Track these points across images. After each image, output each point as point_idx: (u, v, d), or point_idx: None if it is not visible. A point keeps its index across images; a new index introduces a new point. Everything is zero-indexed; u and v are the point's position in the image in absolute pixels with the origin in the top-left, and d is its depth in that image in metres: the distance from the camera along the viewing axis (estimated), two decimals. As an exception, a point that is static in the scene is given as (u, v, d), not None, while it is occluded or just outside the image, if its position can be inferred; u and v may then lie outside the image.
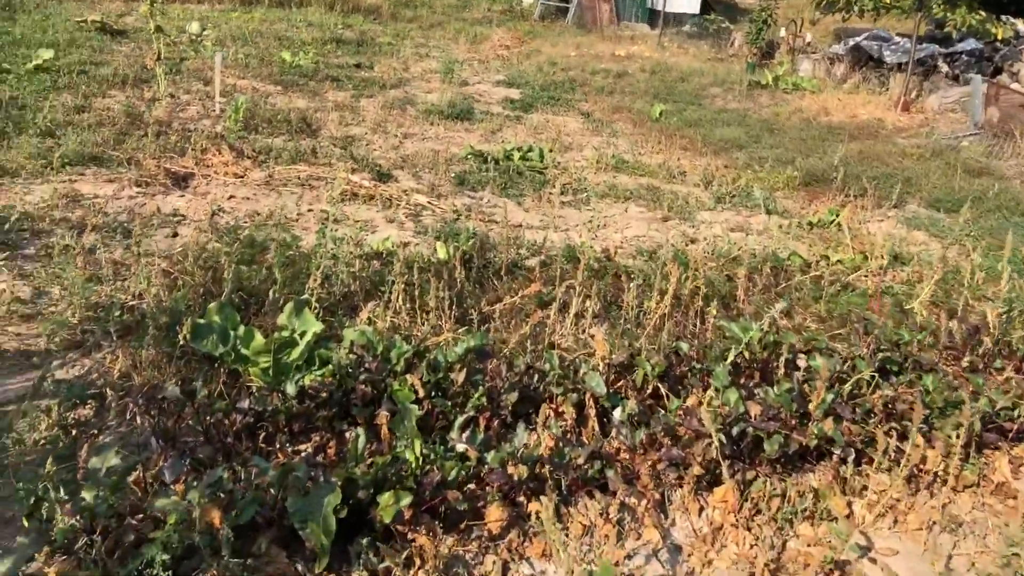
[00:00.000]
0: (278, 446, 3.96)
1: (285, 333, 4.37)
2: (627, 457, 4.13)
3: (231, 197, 7.61)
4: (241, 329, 4.45)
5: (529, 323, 4.78)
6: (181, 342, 4.15)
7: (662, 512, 3.94)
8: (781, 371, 4.74)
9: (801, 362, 5.02)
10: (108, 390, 4.05)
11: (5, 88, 9.83)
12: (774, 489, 4.05)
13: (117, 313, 4.92)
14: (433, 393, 4.21)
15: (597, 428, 4.31)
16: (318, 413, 4.06)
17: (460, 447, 3.74)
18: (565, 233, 7.78)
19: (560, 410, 4.43)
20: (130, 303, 5.13)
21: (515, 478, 3.68)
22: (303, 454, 3.98)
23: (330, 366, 4.34)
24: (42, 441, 3.87)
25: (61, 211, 6.70)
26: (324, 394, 4.08)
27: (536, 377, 4.50)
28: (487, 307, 5.60)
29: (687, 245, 7.69)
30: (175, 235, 6.63)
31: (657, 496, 4.00)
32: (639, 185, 9.63)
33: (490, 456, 3.71)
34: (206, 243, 5.83)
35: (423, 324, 5.15)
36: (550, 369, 4.47)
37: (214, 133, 9.18)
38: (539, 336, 5.17)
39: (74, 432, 4.00)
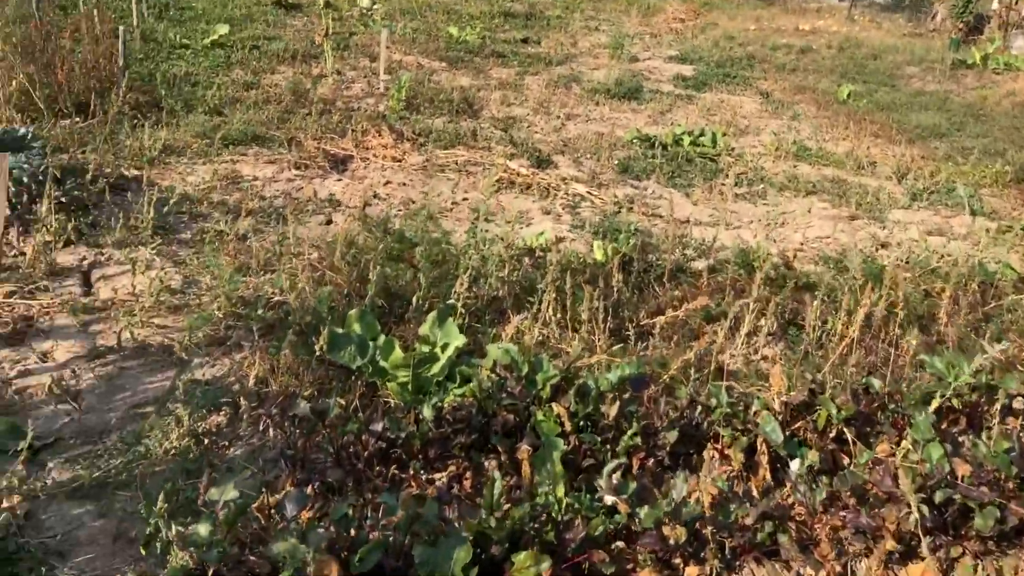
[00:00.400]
0: (411, 472, 3.63)
1: (426, 348, 4.04)
2: (803, 518, 3.56)
3: (387, 183, 7.40)
4: (381, 339, 4.15)
5: (695, 348, 4.24)
6: (318, 351, 3.89)
7: (844, 590, 3.36)
8: (996, 420, 4.01)
9: (1019, 404, 4.24)
10: (242, 399, 3.85)
11: (182, 64, 10.05)
12: (986, 573, 3.37)
13: (260, 311, 4.74)
14: (581, 425, 3.77)
15: (769, 479, 3.75)
16: (455, 440, 3.71)
17: (609, 499, 3.28)
18: (737, 231, 7.13)
19: (725, 453, 3.90)
20: (275, 298, 4.95)
21: (672, 541, 3.20)
22: (437, 484, 3.64)
23: (471, 385, 3.97)
24: (172, 451, 3.70)
25: (220, 193, 6.67)
26: (462, 419, 3.71)
27: (699, 411, 3.97)
28: (646, 320, 5.08)
29: (877, 250, 6.87)
30: (329, 222, 6.47)
31: (839, 569, 3.40)
32: (823, 177, 8.77)
33: (643, 513, 3.23)
34: (355, 235, 5.59)
35: (574, 338, 4.71)
36: (716, 405, 3.93)
37: (376, 113, 9.03)
38: (704, 358, 4.62)
39: (205, 441, 3.82)
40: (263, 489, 3.46)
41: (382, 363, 4.03)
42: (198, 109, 8.39)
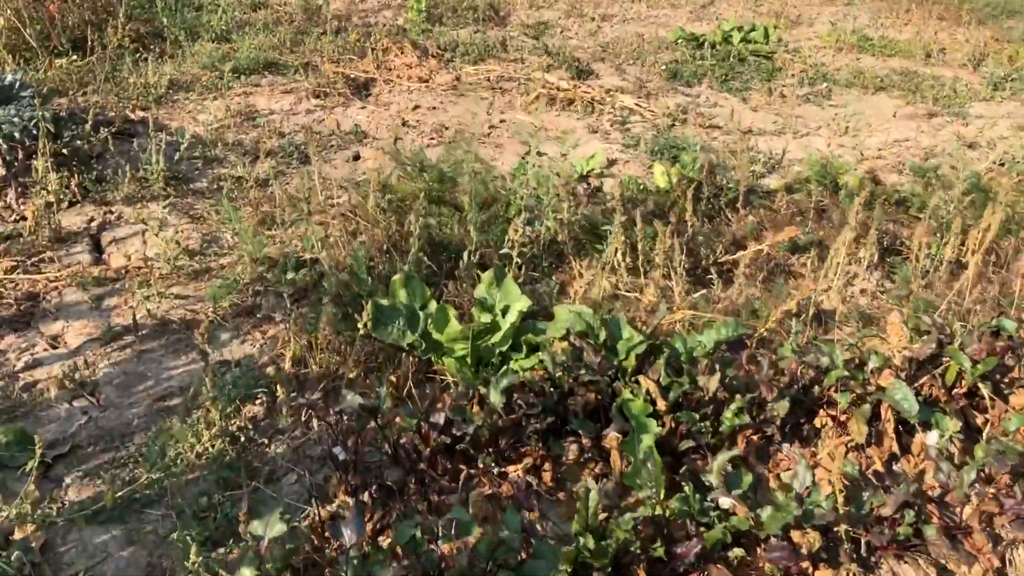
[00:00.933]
0: (481, 467, 3.13)
1: (485, 315, 3.48)
2: (947, 500, 3.02)
3: (415, 107, 6.72)
4: (432, 306, 3.60)
5: (797, 296, 3.63)
6: (362, 329, 3.34)
7: (1005, 589, 2.84)
8: None
9: None
10: (279, 387, 3.32)
11: (182, -15, 9.25)
12: None
13: (290, 273, 4.19)
14: (675, 401, 3.21)
15: (898, 452, 3.21)
16: (529, 426, 3.18)
17: (725, 502, 2.75)
18: (806, 139, 6.41)
19: (840, 420, 3.34)
20: (305, 256, 4.39)
21: (804, 550, 2.68)
22: (512, 479, 3.13)
23: (540, 356, 3.43)
24: (205, 455, 3.21)
25: (235, 132, 6.04)
26: (534, 401, 3.17)
27: (809, 374, 3.41)
28: (725, 256, 4.47)
29: (965, 152, 6.15)
30: (356, 158, 5.85)
31: (996, 562, 2.88)
32: (890, 69, 7.95)
33: (767, 516, 2.70)
34: (388, 176, 4.98)
35: (646, 285, 4.12)
36: (829, 367, 3.35)
37: (396, 28, 8.27)
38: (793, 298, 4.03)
39: (241, 439, 3.32)
40: (312, 499, 2.98)
41: (436, 336, 3.49)
42: (204, 37, 7.66)
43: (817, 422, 3.38)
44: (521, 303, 3.58)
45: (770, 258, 4.52)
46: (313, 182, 5.09)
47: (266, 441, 3.35)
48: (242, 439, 3.33)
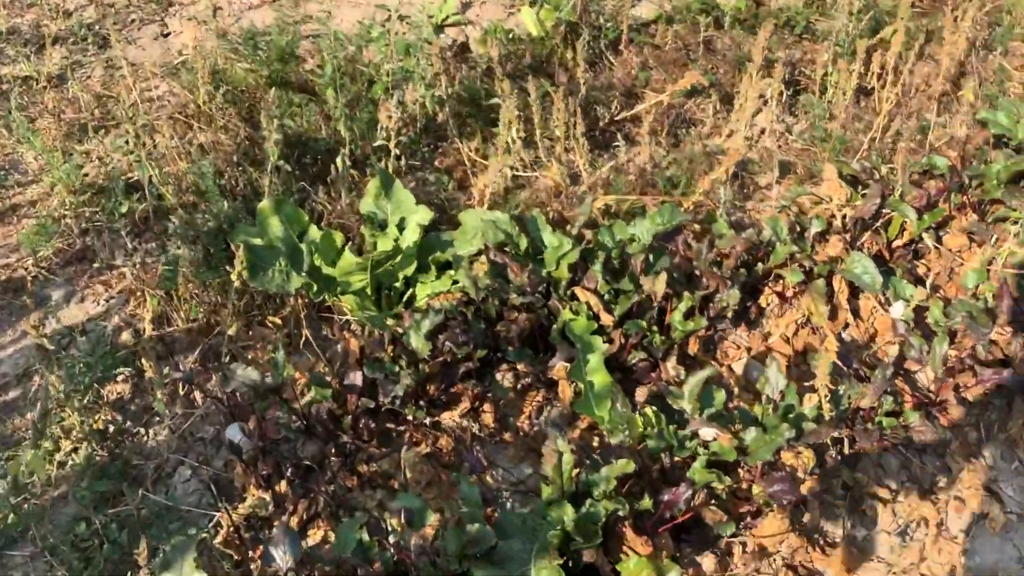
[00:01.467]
0: (411, 421, 2.67)
1: (383, 241, 2.91)
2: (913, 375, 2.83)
3: (222, -46, 5.66)
4: (313, 232, 2.99)
5: (724, 162, 3.22)
6: (236, 281, 2.71)
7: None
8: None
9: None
10: (144, 361, 2.70)
11: None
12: None
13: (122, 203, 3.43)
14: (617, 312, 2.81)
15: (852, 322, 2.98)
16: (458, 367, 2.72)
17: (707, 433, 2.43)
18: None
19: (785, 295, 3.06)
20: (135, 175, 3.61)
21: (800, 473, 2.41)
22: (449, 427, 2.70)
23: (450, 275, 2.93)
24: (71, 464, 2.60)
25: (6, 15, 4.90)
26: (464, 340, 2.69)
27: (748, 251, 3.07)
28: (623, 114, 4.00)
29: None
30: (166, 34, 4.87)
31: (974, 433, 2.73)
32: None
33: (751, 440, 2.40)
34: (212, 55, 4.13)
35: (548, 163, 3.62)
36: (774, 241, 3.02)
37: None
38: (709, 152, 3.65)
39: (111, 432, 2.72)
40: (217, 500, 2.47)
41: (326, 270, 2.91)
42: None
43: (762, 301, 3.09)
44: (419, 215, 3.02)
45: (669, 107, 4.08)
46: (123, 73, 4.19)
47: (142, 431, 2.76)
48: (111, 432, 2.73)
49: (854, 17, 4.23)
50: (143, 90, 4.27)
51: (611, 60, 4.50)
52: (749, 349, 2.96)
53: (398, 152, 3.47)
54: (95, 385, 2.81)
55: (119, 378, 2.89)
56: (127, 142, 3.67)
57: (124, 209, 3.37)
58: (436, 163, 3.80)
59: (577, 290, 2.78)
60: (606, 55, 4.51)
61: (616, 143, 3.88)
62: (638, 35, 4.66)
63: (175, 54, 4.62)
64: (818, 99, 4.05)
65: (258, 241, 2.84)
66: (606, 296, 2.79)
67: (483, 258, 2.91)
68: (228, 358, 2.92)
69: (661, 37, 4.61)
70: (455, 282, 2.93)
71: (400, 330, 2.73)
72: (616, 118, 4.03)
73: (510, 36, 4.55)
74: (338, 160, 3.20)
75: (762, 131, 4.07)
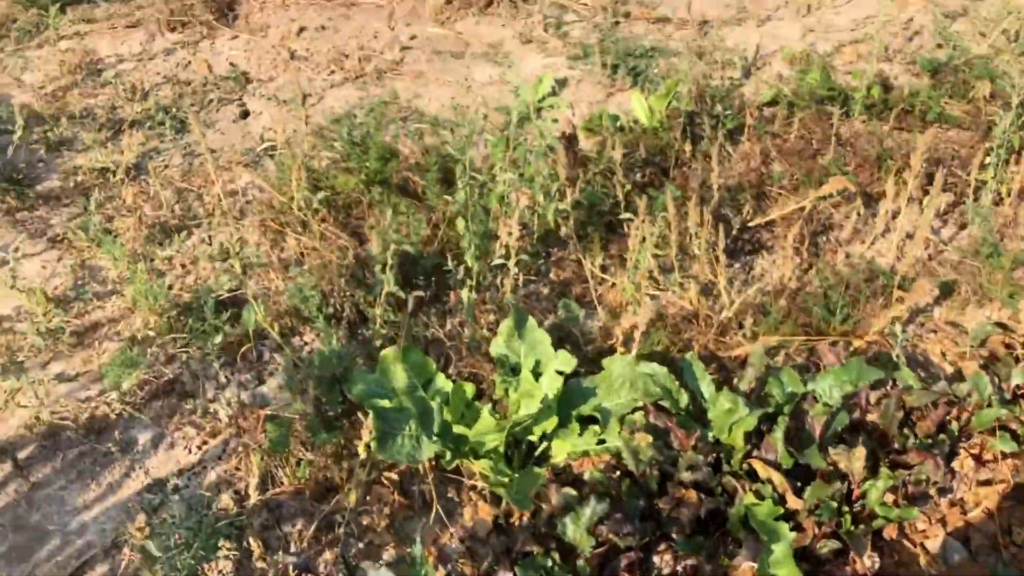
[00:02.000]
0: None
1: (520, 396, 2.52)
2: None
3: (300, 30, 5.38)
4: (441, 382, 2.61)
5: (899, 307, 2.80)
6: (363, 453, 2.33)
7: None
8: None
9: None
10: (252, 541, 2.33)
11: None
12: None
13: (217, 330, 3.07)
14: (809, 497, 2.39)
15: None
16: (620, 560, 2.30)
17: None
18: (768, 25, 5.46)
19: (986, 457, 2.62)
20: (223, 290, 3.28)
21: None
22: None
23: (594, 431, 2.54)
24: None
25: (78, 96, 4.62)
26: (628, 531, 2.28)
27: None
28: (756, 220, 3.60)
29: (949, 27, 5.36)
30: (245, 115, 4.57)
31: None
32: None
33: None
34: (307, 151, 3.81)
35: (685, 284, 3.23)
36: (979, 402, 2.59)
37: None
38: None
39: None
40: None
41: (457, 429, 2.52)
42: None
43: (956, 465, 2.66)
44: (560, 361, 2.63)
45: (800, 209, 3.68)
46: (205, 163, 3.89)
47: (250, 625, 2.38)
48: (212, 628, 2.35)
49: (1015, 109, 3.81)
50: (225, 182, 3.97)
51: (729, 151, 4.12)
52: (943, 521, 2.54)
53: (517, 271, 3.11)
54: (192, 563, 2.44)
55: (219, 553, 2.52)
56: (213, 246, 3.34)
57: (218, 339, 3.01)
58: (552, 275, 3.43)
59: (757, 465, 2.37)
60: (724, 147, 4.13)
61: (748, 251, 3.49)
62: (759, 124, 4.28)
63: (257, 139, 4.32)
64: (973, 202, 3.63)
65: (386, 403, 2.46)
66: (793, 473, 2.38)
67: (638, 418, 2.51)
68: (344, 528, 2.54)
69: (782, 125, 4.23)
70: (600, 441, 2.54)
71: (544, 505, 2.34)
72: (747, 222, 3.64)
73: (618, 125, 4.19)
74: (463, 293, 2.83)
75: (907, 236, 3.66)
